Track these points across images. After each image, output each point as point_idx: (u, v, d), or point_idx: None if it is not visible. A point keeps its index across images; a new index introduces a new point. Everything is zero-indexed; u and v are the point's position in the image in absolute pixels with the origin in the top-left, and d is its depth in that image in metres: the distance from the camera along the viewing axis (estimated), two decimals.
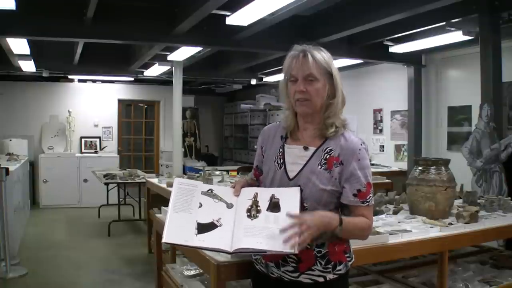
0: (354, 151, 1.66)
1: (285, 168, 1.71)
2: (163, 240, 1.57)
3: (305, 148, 1.71)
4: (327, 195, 1.64)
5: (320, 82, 1.66)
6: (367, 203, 1.66)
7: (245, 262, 1.90)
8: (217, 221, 1.62)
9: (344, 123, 1.72)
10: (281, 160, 1.72)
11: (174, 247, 2.90)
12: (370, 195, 1.67)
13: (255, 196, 1.65)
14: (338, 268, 1.67)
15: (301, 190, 1.63)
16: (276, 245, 1.51)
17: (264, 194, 1.65)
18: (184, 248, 2.37)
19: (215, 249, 1.60)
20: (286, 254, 1.60)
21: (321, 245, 1.65)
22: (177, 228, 1.59)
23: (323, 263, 1.65)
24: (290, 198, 1.60)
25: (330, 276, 1.65)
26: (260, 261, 1.76)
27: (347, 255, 1.71)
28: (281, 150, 1.75)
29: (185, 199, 1.66)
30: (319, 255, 1.65)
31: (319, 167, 1.66)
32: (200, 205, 1.65)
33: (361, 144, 1.68)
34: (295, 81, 1.67)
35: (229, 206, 1.66)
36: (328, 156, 1.67)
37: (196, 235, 1.58)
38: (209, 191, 1.70)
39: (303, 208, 1.60)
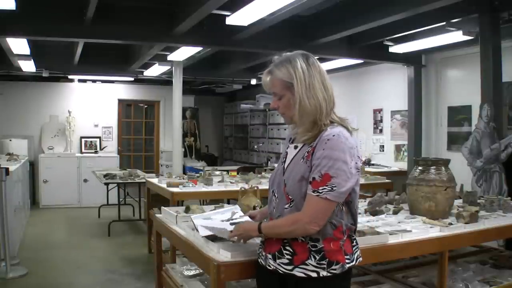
0: (323, 140, 1.66)
1: (284, 164, 1.82)
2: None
3: (295, 147, 1.80)
4: (305, 186, 1.66)
5: (285, 97, 1.74)
6: (318, 194, 1.61)
7: (245, 262, 1.92)
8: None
9: (336, 121, 1.73)
10: (284, 159, 1.84)
11: (174, 248, 3.01)
12: (326, 187, 1.60)
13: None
14: (333, 267, 1.66)
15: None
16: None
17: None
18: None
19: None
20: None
21: (315, 239, 1.67)
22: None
23: (317, 258, 1.65)
24: None
25: (323, 273, 1.65)
26: (261, 254, 1.82)
27: (347, 256, 1.69)
28: (287, 150, 1.87)
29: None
30: (313, 249, 1.67)
31: (301, 160, 1.72)
32: None
33: (333, 136, 1.64)
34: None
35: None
36: (310, 148, 1.71)
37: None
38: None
39: (290, 203, 1.72)
